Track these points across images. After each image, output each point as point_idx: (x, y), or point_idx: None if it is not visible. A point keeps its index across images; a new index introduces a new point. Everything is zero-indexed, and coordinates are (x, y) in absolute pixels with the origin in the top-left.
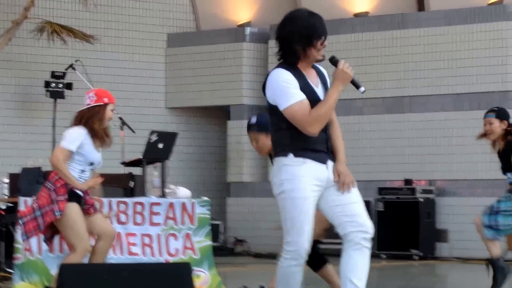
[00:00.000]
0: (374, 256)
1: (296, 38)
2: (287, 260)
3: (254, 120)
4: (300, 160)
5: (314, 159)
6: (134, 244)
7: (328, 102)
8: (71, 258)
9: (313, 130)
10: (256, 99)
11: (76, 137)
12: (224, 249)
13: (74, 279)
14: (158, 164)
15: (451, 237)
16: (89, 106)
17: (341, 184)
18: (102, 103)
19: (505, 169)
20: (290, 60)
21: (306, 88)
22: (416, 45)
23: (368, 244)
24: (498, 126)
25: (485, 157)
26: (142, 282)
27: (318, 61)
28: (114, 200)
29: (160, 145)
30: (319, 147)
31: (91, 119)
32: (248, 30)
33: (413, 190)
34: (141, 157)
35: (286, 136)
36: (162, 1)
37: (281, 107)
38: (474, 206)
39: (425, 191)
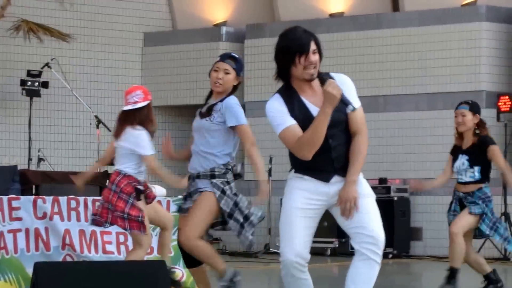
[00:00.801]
0: (348, 254)
1: (279, 57)
2: (281, 270)
3: (235, 54)
4: (299, 175)
5: (314, 176)
6: (109, 243)
7: (312, 127)
8: (137, 253)
9: (304, 155)
10: None
11: (149, 140)
12: None
13: (49, 277)
14: None
15: (425, 235)
16: (137, 105)
17: (342, 211)
18: (148, 101)
19: (473, 163)
20: (282, 80)
21: (300, 111)
22: (390, 45)
23: (376, 257)
24: (470, 120)
25: None
26: (117, 280)
27: (307, 80)
28: (90, 199)
29: None
30: (321, 167)
31: (145, 122)
32: (224, 29)
33: (387, 189)
34: None
35: (290, 155)
36: (138, 0)
37: (277, 134)
38: (447, 205)
39: (399, 190)
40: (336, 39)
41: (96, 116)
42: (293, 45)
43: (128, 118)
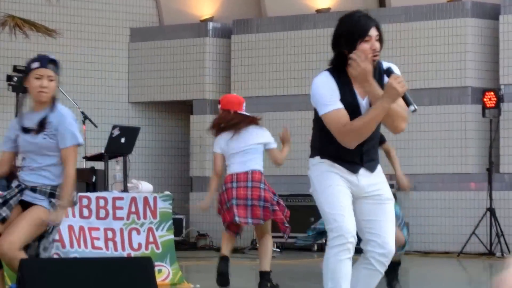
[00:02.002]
0: None
1: (342, 40)
2: (333, 248)
3: (52, 56)
4: (327, 161)
5: (343, 166)
6: (97, 239)
7: (366, 117)
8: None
9: (348, 142)
10: (218, 94)
11: None
12: (186, 243)
13: (35, 274)
14: (120, 159)
15: (411, 230)
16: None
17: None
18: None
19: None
20: (337, 63)
21: (347, 97)
22: None
23: (382, 269)
24: None
25: (444, 152)
26: (104, 276)
27: None
28: (76, 195)
29: (122, 140)
30: (349, 158)
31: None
32: (211, 25)
33: None
34: (103, 152)
35: (317, 139)
36: None
37: (319, 113)
38: (433, 200)
39: None
40: (323, 34)
41: (82, 112)
42: (354, 29)
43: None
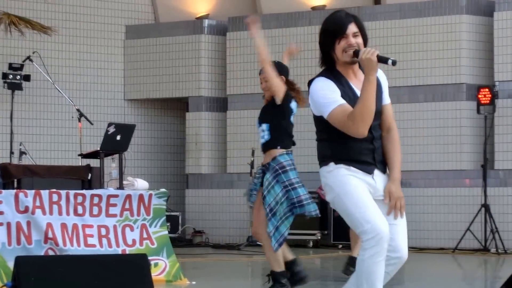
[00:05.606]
0: (330, 246)
1: (321, 40)
2: (368, 250)
3: None
4: (343, 165)
5: (358, 168)
6: (91, 236)
7: (362, 98)
8: None
9: (357, 130)
10: (214, 91)
11: None
12: (182, 240)
13: (30, 271)
14: (116, 156)
15: (407, 227)
16: None
17: (391, 208)
18: None
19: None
20: (327, 65)
21: (348, 92)
22: (371, 38)
23: (392, 272)
24: None
25: (439, 148)
26: (99, 273)
27: (347, 63)
28: (72, 192)
29: (118, 137)
30: (363, 158)
31: None
32: (206, 22)
33: None
34: (99, 149)
35: (327, 147)
36: None
37: (325, 115)
38: (428, 197)
39: None
40: (318, 32)
41: (78, 109)
42: (331, 28)
43: None
